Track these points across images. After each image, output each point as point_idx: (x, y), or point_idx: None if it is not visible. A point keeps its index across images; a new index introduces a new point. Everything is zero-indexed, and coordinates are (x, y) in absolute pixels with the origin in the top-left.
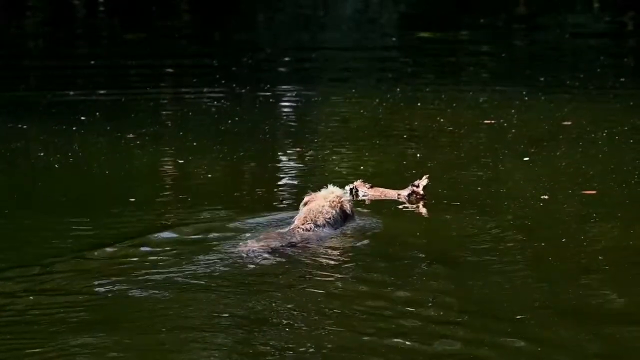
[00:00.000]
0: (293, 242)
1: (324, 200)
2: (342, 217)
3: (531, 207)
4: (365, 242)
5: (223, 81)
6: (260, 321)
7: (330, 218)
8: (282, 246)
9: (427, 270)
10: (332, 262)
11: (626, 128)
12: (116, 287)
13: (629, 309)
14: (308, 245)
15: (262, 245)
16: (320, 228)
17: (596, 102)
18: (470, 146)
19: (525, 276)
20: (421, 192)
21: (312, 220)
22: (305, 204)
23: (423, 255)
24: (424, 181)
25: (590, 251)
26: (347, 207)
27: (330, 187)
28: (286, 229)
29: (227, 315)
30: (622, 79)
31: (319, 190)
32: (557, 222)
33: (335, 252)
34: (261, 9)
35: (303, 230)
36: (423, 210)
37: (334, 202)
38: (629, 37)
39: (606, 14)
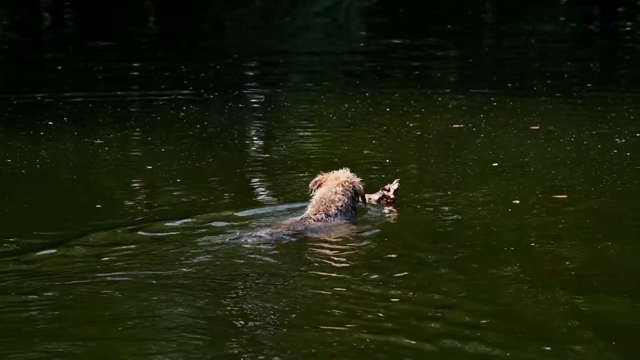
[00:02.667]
0: (299, 232)
1: (335, 185)
2: (354, 202)
3: (503, 212)
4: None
5: (191, 87)
6: (241, 320)
7: (342, 206)
8: (287, 235)
9: (396, 271)
10: (335, 258)
11: (593, 132)
12: (72, 290)
13: (596, 311)
14: (314, 237)
15: (268, 235)
16: (332, 218)
17: (563, 107)
18: (440, 151)
19: (497, 279)
20: (392, 196)
21: (324, 210)
22: (317, 184)
23: (393, 256)
24: (394, 185)
25: (564, 255)
26: (359, 188)
27: (342, 170)
28: (299, 218)
29: (202, 316)
30: (589, 85)
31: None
32: (529, 226)
33: (340, 247)
34: (227, 14)
35: (314, 220)
36: (392, 215)
37: (345, 187)
38: (595, 44)
39: (572, 21)
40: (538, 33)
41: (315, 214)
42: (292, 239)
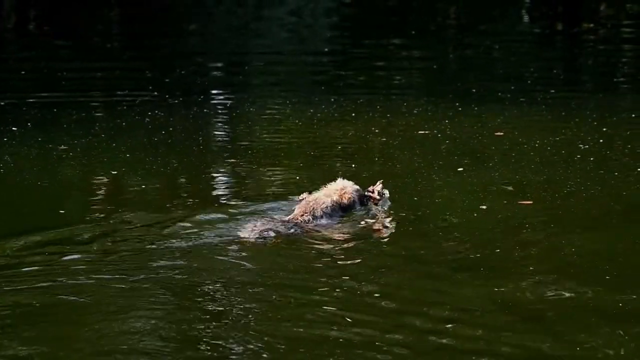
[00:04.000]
0: (279, 230)
1: (327, 191)
2: (341, 208)
3: (471, 218)
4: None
5: (156, 92)
6: (210, 324)
7: (327, 207)
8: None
9: (362, 277)
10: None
11: (557, 138)
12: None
13: (557, 313)
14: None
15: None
16: (318, 219)
17: (527, 113)
18: (405, 157)
19: (466, 283)
20: (377, 197)
21: (310, 211)
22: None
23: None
24: (378, 186)
25: (533, 260)
26: (346, 198)
27: (339, 181)
28: (286, 218)
29: (170, 320)
30: (552, 90)
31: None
32: (497, 232)
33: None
34: (192, 19)
35: (300, 221)
36: (363, 221)
37: (335, 193)
38: (558, 49)
39: (535, 26)
40: (502, 38)
41: (302, 215)
42: (271, 235)
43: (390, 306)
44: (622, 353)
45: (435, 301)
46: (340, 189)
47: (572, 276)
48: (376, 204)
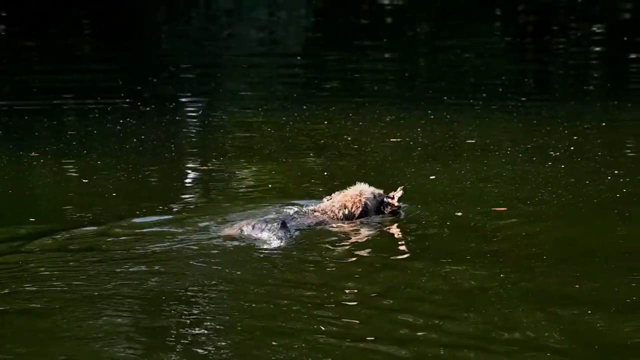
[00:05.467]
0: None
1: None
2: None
3: (446, 225)
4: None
5: (127, 99)
6: (180, 330)
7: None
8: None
9: (335, 285)
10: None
11: (529, 146)
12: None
13: (529, 323)
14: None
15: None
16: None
17: (499, 120)
18: (377, 164)
19: (444, 289)
20: (396, 204)
21: (329, 208)
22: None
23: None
24: (398, 193)
25: (512, 266)
26: (359, 204)
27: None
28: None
29: (140, 325)
30: (523, 98)
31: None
32: (474, 238)
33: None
34: (164, 27)
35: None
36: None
37: (352, 197)
38: (529, 58)
39: (506, 35)
40: (473, 47)
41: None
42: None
43: (366, 311)
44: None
45: (410, 306)
46: (351, 197)
47: (550, 283)
48: (395, 213)
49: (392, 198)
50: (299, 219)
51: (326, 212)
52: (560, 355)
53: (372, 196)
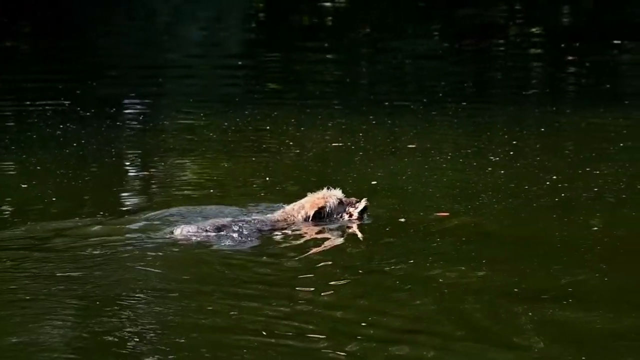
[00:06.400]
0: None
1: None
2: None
3: (391, 231)
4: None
5: (67, 104)
6: (122, 336)
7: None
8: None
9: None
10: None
11: (469, 151)
12: None
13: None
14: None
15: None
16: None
17: (439, 125)
18: (319, 168)
19: (393, 295)
20: (356, 214)
21: (289, 214)
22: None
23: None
24: (361, 204)
25: (462, 272)
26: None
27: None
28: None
29: (81, 332)
30: (464, 103)
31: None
32: (419, 243)
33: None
34: (103, 32)
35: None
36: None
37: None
38: (468, 64)
39: (445, 41)
40: (413, 53)
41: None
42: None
43: (314, 312)
44: None
45: (351, 306)
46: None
47: (488, 287)
48: (352, 221)
49: (355, 208)
50: (253, 225)
51: (286, 217)
52: (516, 349)
53: (335, 201)
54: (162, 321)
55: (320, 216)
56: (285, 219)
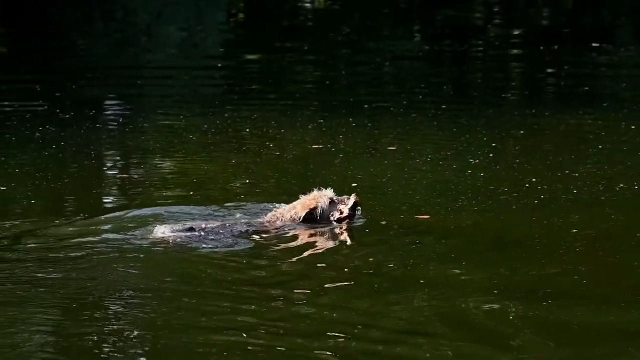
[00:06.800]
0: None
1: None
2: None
3: (372, 233)
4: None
5: (46, 106)
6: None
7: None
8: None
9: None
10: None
11: (449, 153)
12: None
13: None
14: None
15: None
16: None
17: (419, 128)
18: (299, 171)
19: (375, 299)
20: (346, 212)
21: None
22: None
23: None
24: (351, 200)
25: (444, 274)
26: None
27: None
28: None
29: (59, 334)
30: (444, 106)
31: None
32: (400, 247)
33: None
34: (82, 34)
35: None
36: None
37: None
38: (448, 67)
39: (425, 44)
40: (392, 55)
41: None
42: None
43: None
44: None
45: (329, 308)
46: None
47: (470, 288)
48: (342, 220)
49: (346, 205)
50: (236, 227)
51: (276, 219)
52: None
53: (326, 202)
54: (141, 323)
55: (312, 217)
56: (274, 221)
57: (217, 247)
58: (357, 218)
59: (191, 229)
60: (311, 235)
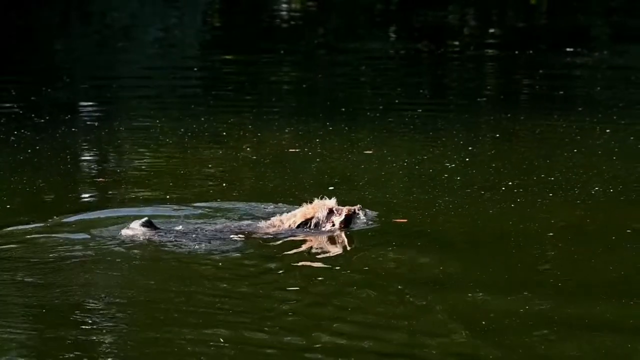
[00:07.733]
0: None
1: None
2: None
3: (349, 237)
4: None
5: (21, 111)
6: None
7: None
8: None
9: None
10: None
11: (425, 157)
12: None
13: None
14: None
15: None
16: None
17: (395, 131)
18: (276, 175)
19: (355, 302)
20: (338, 225)
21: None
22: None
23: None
24: (342, 215)
25: (418, 278)
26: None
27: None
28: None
29: (36, 340)
30: (419, 110)
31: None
32: (378, 251)
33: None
34: (57, 37)
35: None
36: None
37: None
38: (424, 70)
39: (401, 47)
40: (369, 58)
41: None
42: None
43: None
44: None
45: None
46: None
47: (447, 289)
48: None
49: (338, 216)
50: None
51: (273, 225)
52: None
53: (324, 211)
54: (119, 325)
55: (307, 225)
56: (271, 226)
57: (201, 248)
58: (361, 222)
59: (148, 223)
60: (298, 240)
